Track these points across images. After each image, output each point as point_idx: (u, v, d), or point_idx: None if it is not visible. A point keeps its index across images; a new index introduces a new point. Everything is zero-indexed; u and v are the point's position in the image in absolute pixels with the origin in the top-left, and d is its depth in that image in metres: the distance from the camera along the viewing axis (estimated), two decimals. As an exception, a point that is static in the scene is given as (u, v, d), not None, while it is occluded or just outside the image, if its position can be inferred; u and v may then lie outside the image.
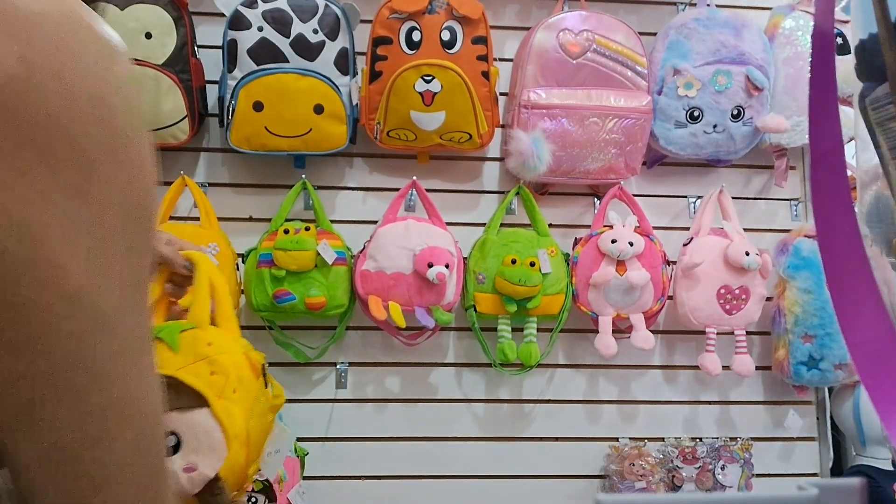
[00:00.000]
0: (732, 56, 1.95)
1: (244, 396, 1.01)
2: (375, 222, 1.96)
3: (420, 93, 1.83)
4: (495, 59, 1.95)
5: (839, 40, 1.82)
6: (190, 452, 0.96)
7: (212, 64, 1.95)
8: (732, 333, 1.98)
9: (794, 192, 2.20)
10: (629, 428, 2.08)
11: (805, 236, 2.02)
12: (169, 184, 1.90)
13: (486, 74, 1.90)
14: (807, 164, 2.20)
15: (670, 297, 1.99)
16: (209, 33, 1.96)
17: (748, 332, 2.03)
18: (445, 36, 1.86)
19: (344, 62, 1.88)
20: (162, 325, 1.06)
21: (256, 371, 1.06)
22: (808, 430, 2.13)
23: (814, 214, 0.51)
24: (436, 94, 1.83)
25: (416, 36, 1.85)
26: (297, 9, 1.83)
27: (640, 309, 1.93)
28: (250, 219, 2.01)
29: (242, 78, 1.82)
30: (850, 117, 0.59)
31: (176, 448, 0.96)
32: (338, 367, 2.00)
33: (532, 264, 1.85)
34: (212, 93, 1.97)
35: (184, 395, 0.96)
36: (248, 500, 1.70)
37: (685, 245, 2.00)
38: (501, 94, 2.02)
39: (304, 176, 1.94)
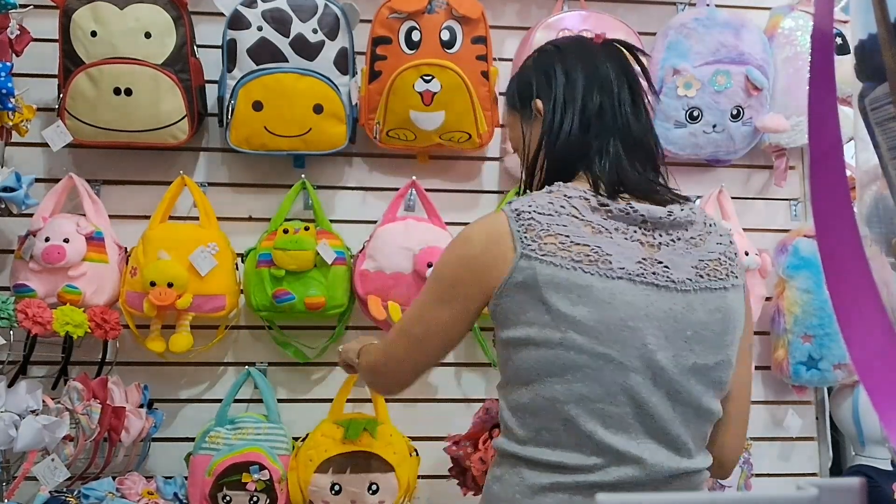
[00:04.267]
0: (732, 56, 1.95)
1: (408, 465, 1.80)
2: (375, 222, 1.96)
3: (419, 92, 1.83)
4: (495, 59, 1.95)
5: (839, 40, 1.81)
6: (384, 493, 1.76)
7: (211, 64, 1.95)
8: (732, 333, 1.98)
9: (794, 192, 2.20)
10: (628, 428, 2.08)
11: (804, 236, 2.02)
12: (168, 183, 1.90)
13: (485, 74, 1.90)
14: (806, 164, 2.19)
15: (670, 297, 1.99)
16: (209, 33, 1.96)
17: (747, 332, 2.02)
18: (445, 36, 1.86)
19: (343, 62, 1.88)
20: (368, 421, 1.79)
21: (410, 448, 1.84)
22: (808, 430, 2.13)
23: (813, 214, 0.51)
24: (435, 93, 1.83)
25: (415, 36, 1.85)
26: (297, 8, 1.83)
27: (640, 309, 1.92)
28: (250, 218, 2.01)
29: (242, 77, 1.82)
30: (849, 117, 0.59)
31: (375, 491, 1.76)
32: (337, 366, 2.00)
33: (532, 264, 1.84)
34: (211, 92, 1.96)
35: (383, 464, 1.76)
36: (250, 499, 1.70)
37: (685, 245, 2.00)
38: (501, 93, 2.02)
39: (303, 176, 1.94)
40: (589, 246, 1.01)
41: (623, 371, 1.00)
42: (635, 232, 1.04)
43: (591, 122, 1.11)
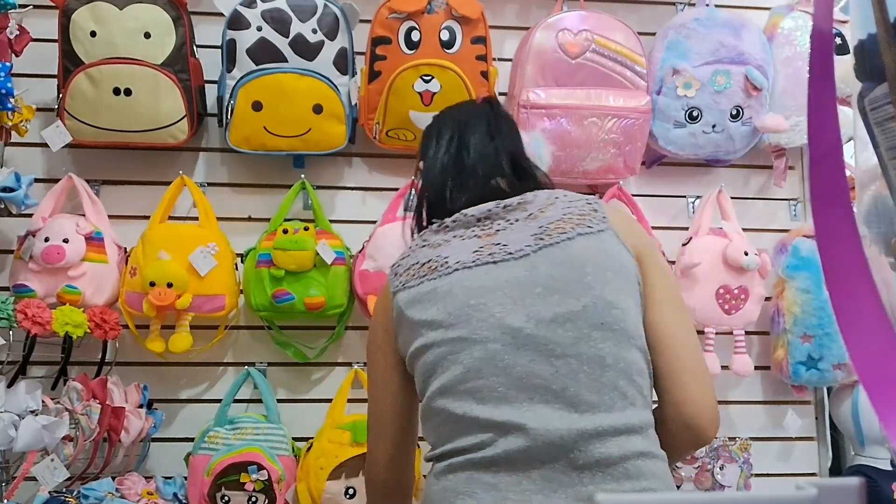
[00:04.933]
0: (731, 56, 1.95)
1: None
2: (374, 222, 1.95)
3: (419, 92, 1.83)
4: (494, 59, 1.95)
5: (838, 40, 1.82)
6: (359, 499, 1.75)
7: (211, 64, 1.94)
8: (731, 333, 1.98)
9: (793, 192, 2.20)
10: (628, 428, 2.08)
11: (804, 236, 2.03)
12: (168, 183, 1.90)
13: (485, 74, 1.90)
14: (806, 164, 2.20)
15: (669, 297, 1.99)
16: (208, 33, 1.96)
17: (747, 332, 2.02)
18: (444, 36, 1.86)
19: (343, 62, 1.88)
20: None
21: None
22: (807, 430, 2.13)
23: (813, 214, 0.51)
24: (435, 93, 1.83)
25: (415, 36, 1.85)
26: (296, 9, 1.83)
27: (640, 309, 1.92)
28: (249, 218, 2.01)
29: (241, 78, 1.82)
30: (849, 117, 0.59)
31: (353, 496, 1.74)
32: (336, 367, 2.00)
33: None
34: (211, 92, 1.96)
35: None
36: (249, 499, 1.70)
37: (684, 245, 2.00)
38: (500, 94, 2.02)
39: (303, 176, 1.94)
40: (431, 259, 1.13)
41: (479, 345, 1.05)
42: (472, 231, 1.15)
43: (451, 166, 1.23)
